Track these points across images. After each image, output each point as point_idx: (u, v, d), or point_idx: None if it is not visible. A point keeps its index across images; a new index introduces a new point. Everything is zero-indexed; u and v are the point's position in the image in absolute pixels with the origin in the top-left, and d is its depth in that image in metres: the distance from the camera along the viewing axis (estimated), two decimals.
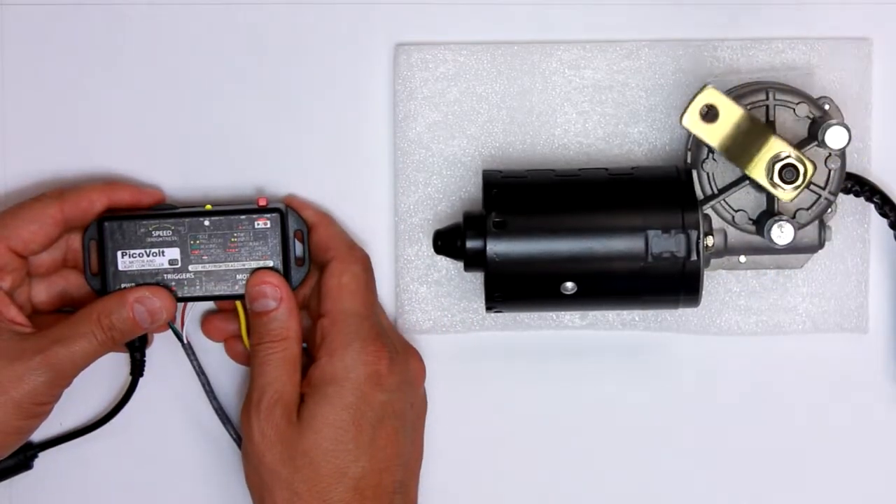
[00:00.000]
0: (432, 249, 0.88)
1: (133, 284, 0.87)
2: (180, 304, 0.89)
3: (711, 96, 0.83)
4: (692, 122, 0.83)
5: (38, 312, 0.89)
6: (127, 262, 0.87)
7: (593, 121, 0.92)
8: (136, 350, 0.90)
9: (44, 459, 0.92)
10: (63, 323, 0.86)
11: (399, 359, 0.87)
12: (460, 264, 0.89)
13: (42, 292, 0.89)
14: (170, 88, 0.92)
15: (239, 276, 0.87)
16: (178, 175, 0.92)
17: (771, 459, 0.93)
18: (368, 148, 0.92)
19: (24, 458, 0.91)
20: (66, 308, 0.90)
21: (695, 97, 0.83)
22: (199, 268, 0.87)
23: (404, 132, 0.92)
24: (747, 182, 0.86)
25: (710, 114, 0.83)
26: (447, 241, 0.88)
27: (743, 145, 0.84)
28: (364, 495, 0.85)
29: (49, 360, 0.84)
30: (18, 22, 0.91)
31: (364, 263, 0.88)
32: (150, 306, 0.86)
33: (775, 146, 0.84)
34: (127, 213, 0.88)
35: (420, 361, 0.90)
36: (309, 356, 0.89)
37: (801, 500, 0.94)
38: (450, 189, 0.92)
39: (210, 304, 0.92)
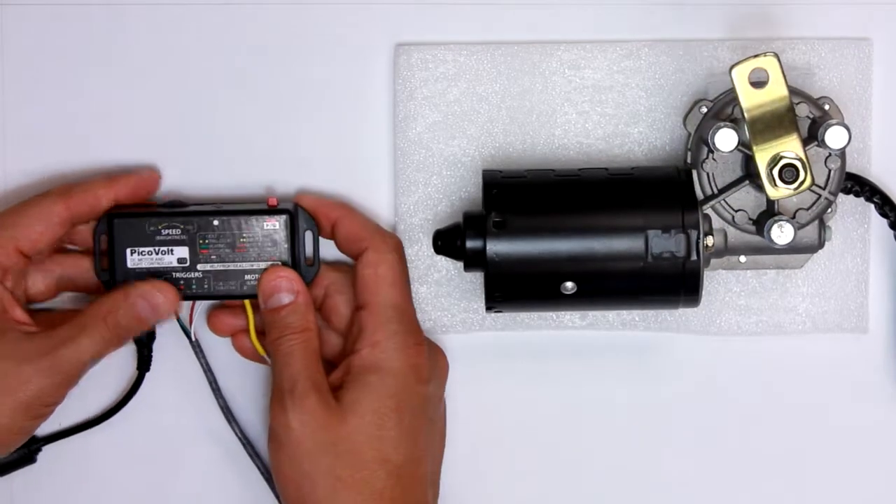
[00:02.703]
0: (432, 249, 0.88)
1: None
2: (189, 303, 0.89)
3: (770, 64, 0.83)
4: (739, 76, 0.82)
5: (33, 302, 0.89)
6: (136, 259, 0.87)
7: (593, 121, 0.92)
8: (144, 346, 0.90)
9: (47, 453, 0.92)
10: (69, 323, 0.85)
11: (431, 353, 0.87)
12: (460, 264, 0.89)
13: (39, 282, 0.89)
14: (169, 89, 0.92)
15: (247, 276, 0.88)
16: (179, 175, 0.92)
17: (771, 459, 0.93)
18: (368, 148, 0.92)
19: (27, 452, 0.91)
20: (67, 291, 0.90)
21: (757, 56, 0.82)
22: (208, 267, 0.88)
23: (404, 132, 0.92)
24: (747, 182, 0.86)
25: (759, 79, 0.83)
26: (447, 241, 0.88)
27: (768, 125, 0.83)
28: (403, 484, 0.84)
29: (56, 362, 0.84)
30: (18, 22, 0.91)
31: (398, 250, 0.88)
32: (153, 301, 0.86)
33: (790, 144, 0.83)
34: (137, 210, 0.88)
35: (445, 356, 0.90)
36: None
37: (801, 500, 0.94)
38: (450, 189, 0.92)
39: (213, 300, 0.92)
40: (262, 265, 0.87)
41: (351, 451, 0.84)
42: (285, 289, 0.87)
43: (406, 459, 0.85)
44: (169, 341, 0.91)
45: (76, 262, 0.89)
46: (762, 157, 0.84)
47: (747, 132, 0.83)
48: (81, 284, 0.89)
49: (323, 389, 0.85)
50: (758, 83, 0.83)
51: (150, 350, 0.91)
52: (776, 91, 0.83)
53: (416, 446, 0.85)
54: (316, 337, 0.86)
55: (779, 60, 0.83)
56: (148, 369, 0.91)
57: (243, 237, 0.87)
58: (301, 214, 0.88)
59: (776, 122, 0.83)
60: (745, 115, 0.83)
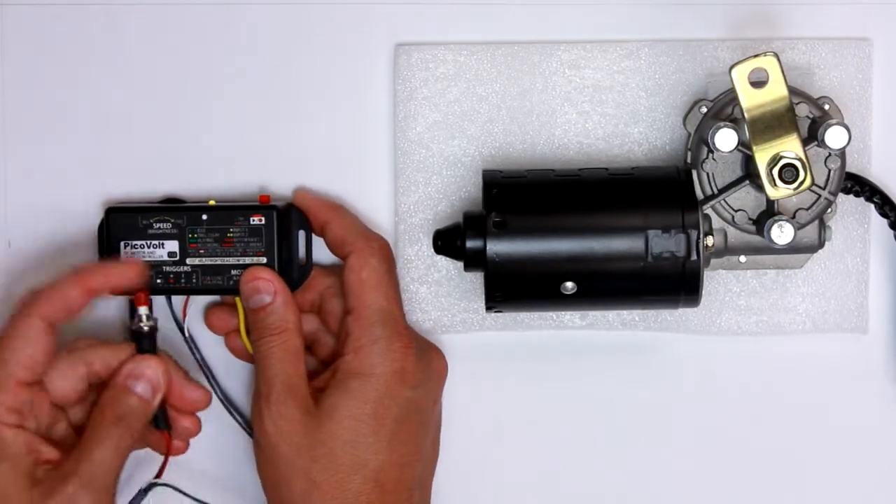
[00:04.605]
0: (432, 249, 0.88)
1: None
2: (182, 297, 0.90)
3: (770, 64, 0.83)
4: (739, 76, 0.82)
5: (67, 405, 0.87)
6: (129, 252, 0.88)
7: (593, 121, 0.92)
8: (145, 337, 0.90)
9: None
10: (83, 438, 0.84)
11: (423, 355, 0.87)
12: (460, 264, 0.89)
13: (66, 390, 0.86)
14: (169, 89, 0.92)
15: (234, 272, 0.88)
16: (178, 175, 0.92)
17: (771, 459, 0.93)
18: (368, 148, 0.92)
19: None
20: None
21: (757, 56, 0.82)
22: (196, 261, 0.88)
23: (404, 132, 0.92)
24: (747, 182, 0.86)
25: (759, 79, 0.83)
26: (447, 241, 0.88)
27: (768, 124, 0.83)
28: (384, 489, 0.84)
29: (84, 482, 0.82)
30: (18, 22, 0.92)
31: (382, 253, 0.88)
32: (146, 378, 0.86)
33: (790, 144, 0.83)
34: (133, 205, 0.89)
35: (443, 358, 0.90)
36: (310, 350, 0.90)
37: (801, 500, 0.94)
38: (450, 189, 0.92)
39: (212, 297, 0.92)
40: (248, 261, 0.88)
41: (327, 455, 0.84)
42: (263, 289, 0.86)
43: (385, 464, 0.85)
44: (161, 337, 0.91)
45: (94, 354, 0.87)
46: (762, 156, 0.84)
47: (747, 132, 0.84)
48: (106, 374, 0.87)
49: (300, 393, 0.85)
50: (758, 83, 0.83)
51: (155, 347, 0.91)
52: (776, 91, 0.83)
53: (397, 451, 0.85)
54: (297, 337, 0.86)
55: (779, 60, 0.83)
56: None
57: (230, 232, 0.88)
58: (295, 214, 0.89)
59: (776, 122, 0.83)
60: (745, 114, 0.83)
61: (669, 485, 0.94)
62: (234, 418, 0.91)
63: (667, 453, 0.93)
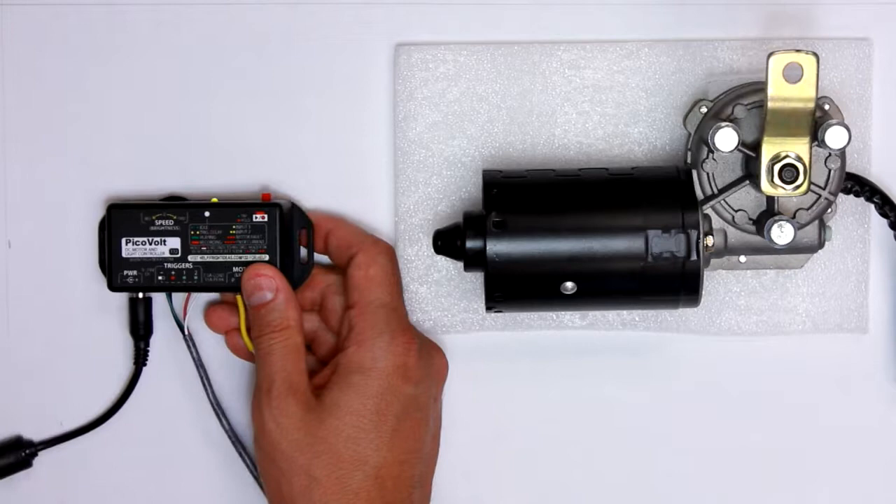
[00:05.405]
0: (432, 249, 0.88)
1: (135, 272, 0.87)
2: (183, 295, 0.90)
3: (808, 62, 0.82)
4: (775, 65, 0.82)
5: None
6: (130, 249, 0.88)
7: (593, 121, 0.92)
8: (141, 339, 0.90)
9: (43, 454, 0.92)
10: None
11: (424, 353, 0.87)
12: (460, 264, 0.89)
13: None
14: (169, 89, 0.92)
15: (235, 269, 0.88)
16: (178, 175, 0.92)
17: (770, 459, 0.93)
18: (368, 148, 0.92)
19: (24, 456, 0.91)
20: None
21: (799, 51, 0.82)
22: (198, 258, 0.88)
23: (404, 132, 0.92)
24: (747, 182, 0.86)
25: (793, 74, 0.83)
26: (447, 241, 0.88)
27: (786, 120, 0.83)
28: (384, 486, 0.85)
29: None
30: (18, 22, 0.92)
31: (389, 254, 0.88)
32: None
33: (798, 147, 0.83)
34: (135, 202, 0.89)
35: (444, 357, 0.90)
36: (310, 349, 0.90)
37: (801, 500, 0.94)
38: (450, 189, 0.92)
39: (213, 294, 0.92)
40: (250, 258, 0.88)
41: (328, 451, 0.84)
42: (265, 286, 0.87)
43: (386, 461, 0.85)
44: (161, 335, 0.92)
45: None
46: (768, 150, 0.84)
47: (763, 121, 0.83)
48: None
49: (300, 390, 0.85)
50: (792, 76, 0.82)
51: (147, 345, 0.91)
52: (805, 91, 0.82)
53: (398, 447, 0.85)
54: (298, 335, 0.86)
55: (818, 63, 0.82)
56: (145, 364, 0.91)
57: (232, 229, 0.88)
58: (296, 213, 0.89)
59: (794, 121, 0.83)
60: (769, 103, 0.82)
61: (669, 485, 0.94)
62: (221, 423, 0.91)
63: (666, 453, 0.93)
